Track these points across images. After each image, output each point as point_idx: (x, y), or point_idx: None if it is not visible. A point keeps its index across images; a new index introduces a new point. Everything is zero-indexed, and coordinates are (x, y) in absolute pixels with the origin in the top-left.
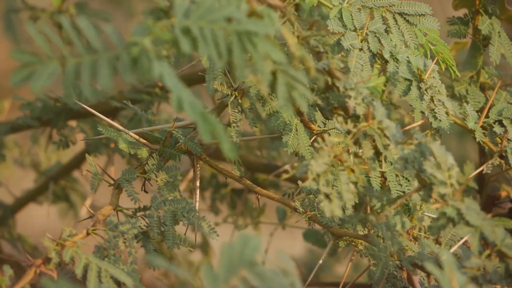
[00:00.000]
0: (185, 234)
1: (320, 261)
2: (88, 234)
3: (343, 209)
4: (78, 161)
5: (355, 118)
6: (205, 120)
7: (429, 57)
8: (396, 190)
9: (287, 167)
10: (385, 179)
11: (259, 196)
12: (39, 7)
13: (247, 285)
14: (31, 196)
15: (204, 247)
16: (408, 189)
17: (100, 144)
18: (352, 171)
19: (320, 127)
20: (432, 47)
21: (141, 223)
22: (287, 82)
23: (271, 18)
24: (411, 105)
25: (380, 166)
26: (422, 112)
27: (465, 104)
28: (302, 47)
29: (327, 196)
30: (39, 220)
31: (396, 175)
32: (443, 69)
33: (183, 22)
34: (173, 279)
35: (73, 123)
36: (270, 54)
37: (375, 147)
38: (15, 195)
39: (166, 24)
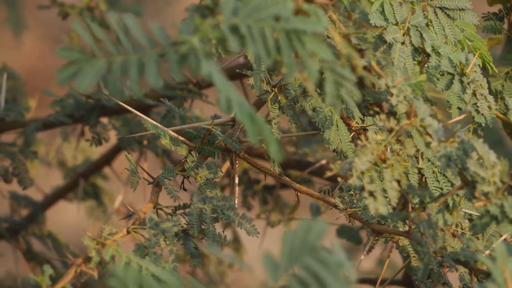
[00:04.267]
0: (223, 231)
1: (362, 257)
2: (128, 232)
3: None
4: (108, 158)
5: (391, 115)
6: (252, 121)
7: (467, 52)
8: (434, 186)
9: (323, 162)
10: (422, 175)
11: (298, 193)
12: (67, 3)
13: (310, 272)
14: (61, 193)
15: (235, 244)
16: (445, 186)
17: (132, 141)
18: (395, 168)
19: (358, 124)
20: (469, 43)
21: (181, 221)
22: (335, 80)
23: (318, 16)
24: (448, 101)
25: (417, 163)
26: (459, 108)
27: (507, 98)
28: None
29: (371, 193)
30: (68, 217)
31: (433, 172)
32: (481, 65)
33: (231, 20)
34: (200, 276)
35: (104, 120)
36: (318, 52)
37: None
38: (45, 192)
39: (213, 22)
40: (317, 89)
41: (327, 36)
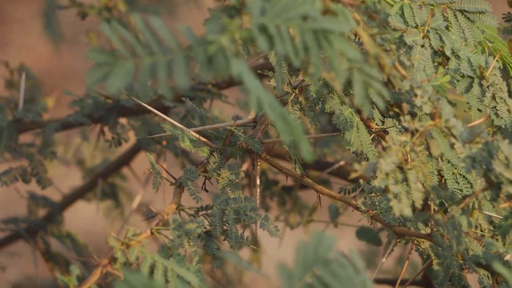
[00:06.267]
0: (243, 232)
1: (383, 260)
2: (152, 233)
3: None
4: (127, 158)
5: (411, 115)
6: (285, 120)
7: (487, 54)
8: (454, 188)
9: (342, 163)
10: (442, 177)
11: (320, 195)
12: (86, 4)
13: (321, 283)
14: (79, 193)
15: (254, 244)
16: (465, 188)
17: (151, 141)
18: (419, 170)
19: (378, 125)
20: (490, 45)
21: (204, 222)
22: (363, 80)
23: (346, 16)
24: (468, 103)
25: (437, 164)
26: (479, 110)
27: None
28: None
29: (396, 195)
30: (85, 217)
31: (453, 173)
32: (501, 67)
33: (260, 20)
34: (219, 275)
35: (123, 120)
36: (346, 52)
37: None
38: (63, 192)
39: (241, 22)
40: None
41: (354, 35)
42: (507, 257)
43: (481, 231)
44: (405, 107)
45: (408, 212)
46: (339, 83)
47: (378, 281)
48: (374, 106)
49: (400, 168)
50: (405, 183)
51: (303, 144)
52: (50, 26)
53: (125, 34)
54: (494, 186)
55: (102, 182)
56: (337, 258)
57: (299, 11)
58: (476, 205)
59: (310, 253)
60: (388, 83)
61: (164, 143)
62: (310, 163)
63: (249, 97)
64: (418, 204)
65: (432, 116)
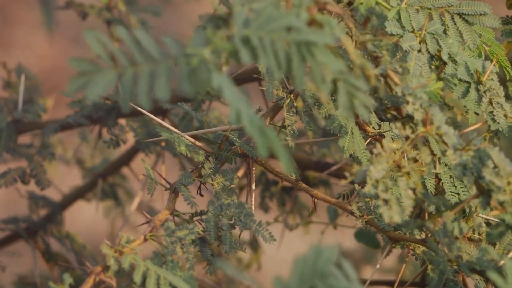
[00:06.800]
0: (239, 236)
1: (378, 266)
2: (145, 240)
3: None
4: (127, 158)
5: (409, 118)
6: (263, 134)
7: (483, 58)
8: (451, 191)
9: (341, 164)
10: (439, 180)
11: (316, 200)
12: (86, 4)
13: None
14: (79, 193)
15: (253, 245)
16: (462, 191)
17: (150, 143)
18: (410, 177)
19: (374, 129)
20: (487, 48)
21: (198, 228)
22: (348, 91)
23: (331, 27)
24: (465, 106)
25: (434, 168)
26: (476, 113)
27: None
28: (361, 53)
29: (386, 202)
30: (84, 217)
31: (450, 177)
32: (497, 71)
33: (243, 32)
34: (220, 275)
35: (122, 121)
36: (329, 64)
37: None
38: (63, 192)
39: (225, 33)
40: (331, 97)
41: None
42: (501, 263)
43: (479, 234)
44: (403, 109)
45: (398, 219)
46: (323, 94)
47: (376, 283)
48: (368, 116)
49: (392, 174)
50: (397, 187)
51: (283, 158)
52: (46, 15)
53: (107, 44)
54: (484, 193)
55: (102, 182)
56: (332, 270)
57: (282, 23)
58: (473, 209)
59: (308, 266)
60: (385, 85)
61: (163, 144)
62: (309, 164)
63: (230, 109)
64: (409, 211)
65: (424, 123)
